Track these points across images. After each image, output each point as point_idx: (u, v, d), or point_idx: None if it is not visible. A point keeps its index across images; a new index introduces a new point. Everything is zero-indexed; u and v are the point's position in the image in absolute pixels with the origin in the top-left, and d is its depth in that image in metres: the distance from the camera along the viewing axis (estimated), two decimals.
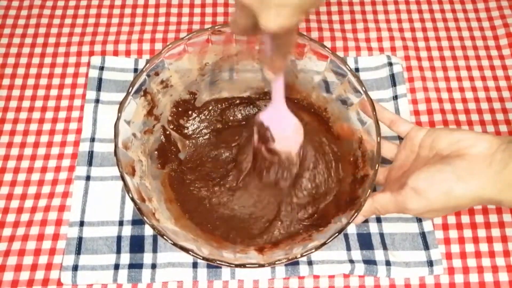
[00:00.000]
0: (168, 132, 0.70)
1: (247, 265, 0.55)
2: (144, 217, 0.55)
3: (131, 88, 0.62)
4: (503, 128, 0.76)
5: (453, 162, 0.55)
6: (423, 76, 0.80)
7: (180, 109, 0.72)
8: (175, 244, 0.54)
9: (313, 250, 0.55)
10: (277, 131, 0.65)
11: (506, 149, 0.53)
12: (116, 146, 0.59)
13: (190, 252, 0.54)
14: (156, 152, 0.68)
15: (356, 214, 0.56)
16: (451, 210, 0.57)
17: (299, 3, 0.47)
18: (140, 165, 0.64)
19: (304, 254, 0.55)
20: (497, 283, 0.66)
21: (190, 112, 0.73)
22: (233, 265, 0.55)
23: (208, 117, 0.74)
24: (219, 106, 0.75)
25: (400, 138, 0.71)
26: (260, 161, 0.69)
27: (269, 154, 0.67)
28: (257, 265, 0.55)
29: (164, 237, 0.55)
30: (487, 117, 0.77)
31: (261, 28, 0.48)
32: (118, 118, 0.60)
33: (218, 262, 0.54)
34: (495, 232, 0.69)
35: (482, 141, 0.55)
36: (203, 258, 0.54)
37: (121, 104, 0.60)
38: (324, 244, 0.55)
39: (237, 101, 0.75)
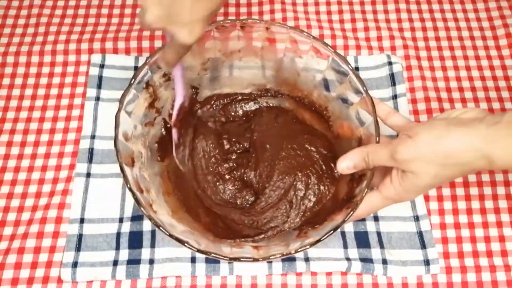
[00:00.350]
0: (169, 125, 0.70)
1: (241, 259, 0.55)
2: (142, 208, 0.56)
3: (133, 80, 0.62)
4: None
5: (447, 118, 0.55)
6: (423, 76, 0.80)
7: None
8: (171, 236, 0.54)
9: (308, 247, 0.55)
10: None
11: (497, 115, 0.52)
12: (116, 137, 0.59)
13: (185, 244, 0.54)
14: (156, 145, 0.69)
15: (352, 212, 0.56)
16: (440, 167, 0.53)
17: (207, 15, 0.55)
18: (139, 156, 0.64)
19: (299, 250, 0.55)
20: (495, 283, 0.66)
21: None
22: (228, 259, 0.55)
23: (209, 112, 0.74)
24: (221, 101, 0.75)
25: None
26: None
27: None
28: (251, 259, 0.55)
29: (160, 228, 0.55)
30: None
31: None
32: (120, 109, 0.60)
33: (213, 255, 0.54)
34: (493, 232, 0.69)
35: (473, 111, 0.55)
36: (198, 250, 0.54)
37: (123, 96, 0.61)
38: (319, 241, 0.55)
39: (239, 97, 0.75)
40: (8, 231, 0.68)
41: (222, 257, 0.55)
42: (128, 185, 0.57)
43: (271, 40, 0.68)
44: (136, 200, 0.56)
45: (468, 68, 0.82)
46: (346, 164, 0.59)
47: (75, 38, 0.83)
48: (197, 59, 0.69)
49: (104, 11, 0.87)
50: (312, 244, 0.55)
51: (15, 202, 0.70)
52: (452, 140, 0.51)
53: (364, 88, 0.62)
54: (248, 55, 0.70)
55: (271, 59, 0.70)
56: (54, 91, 0.78)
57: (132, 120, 0.63)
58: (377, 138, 0.59)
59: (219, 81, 0.74)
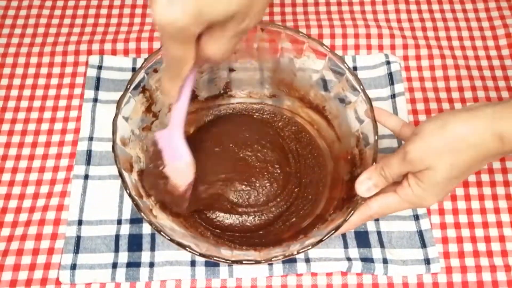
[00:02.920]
0: None
1: (243, 262, 0.55)
2: (142, 213, 0.55)
3: (129, 85, 0.61)
4: None
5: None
6: (421, 76, 0.80)
7: None
8: (172, 240, 0.54)
9: (310, 247, 0.55)
10: (168, 158, 0.62)
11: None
12: (114, 142, 0.59)
13: (187, 249, 0.54)
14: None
15: (352, 212, 0.56)
16: (453, 154, 0.51)
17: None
18: (138, 161, 0.64)
19: (300, 251, 0.55)
20: (495, 283, 0.66)
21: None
22: (230, 261, 0.55)
23: (206, 115, 0.74)
24: (217, 104, 0.75)
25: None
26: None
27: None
28: (253, 262, 0.55)
29: (161, 233, 0.55)
30: None
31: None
32: (116, 115, 0.60)
33: (215, 258, 0.54)
34: (493, 232, 0.69)
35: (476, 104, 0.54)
36: (200, 254, 0.54)
37: (120, 101, 0.60)
38: (320, 241, 0.55)
39: (236, 100, 0.75)
40: (5, 232, 0.68)
41: (224, 261, 0.55)
42: (128, 191, 0.57)
43: (266, 41, 0.68)
44: (136, 205, 0.56)
45: (467, 68, 0.81)
46: (366, 186, 0.57)
47: (74, 40, 0.83)
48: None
49: (103, 11, 0.87)
50: (314, 245, 0.55)
51: (12, 203, 0.70)
52: (459, 123, 0.50)
53: (361, 87, 0.62)
54: (244, 56, 0.70)
55: (267, 60, 0.70)
56: (52, 92, 0.78)
57: (129, 125, 0.63)
58: (375, 137, 0.59)
59: (215, 84, 0.74)
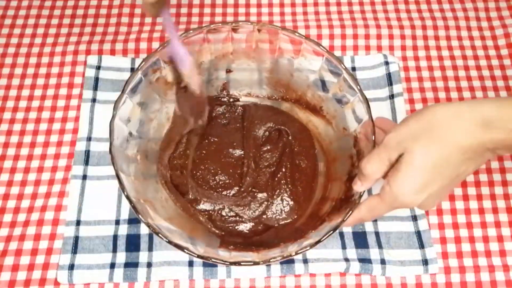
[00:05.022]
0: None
1: (242, 263, 0.55)
2: (139, 215, 0.55)
3: (126, 86, 0.62)
4: None
5: None
6: (420, 77, 0.80)
7: None
8: (170, 242, 0.54)
9: (308, 248, 0.55)
10: (179, 66, 0.64)
11: None
12: (111, 144, 0.59)
13: (185, 250, 0.54)
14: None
15: (350, 212, 0.56)
16: (428, 139, 0.50)
17: None
18: (135, 163, 0.64)
19: (298, 252, 0.55)
20: (494, 283, 0.66)
21: None
22: (228, 263, 0.55)
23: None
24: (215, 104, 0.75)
25: None
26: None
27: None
28: (252, 263, 0.55)
29: (159, 235, 0.55)
30: None
31: None
32: (113, 116, 0.60)
33: (213, 260, 0.54)
34: (491, 232, 0.69)
35: None
36: (198, 256, 0.54)
37: (116, 103, 0.61)
38: (318, 242, 0.55)
39: (233, 100, 0.75)
40: (4, 232, 0.68)
41: (223, 262, 0.55)
42: (125, 193, 0.57)
43: (263, 42, 0.68)
44: (134, 207, 0.56)
45: (466, 68, 0.81)
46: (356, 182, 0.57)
47: (73, 40, 0.83)
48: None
49: (103, 11, 0.87)
50: (312, 245, 0.55)
51: (11, 204, 0.70)
52: (438, 108, 0.50)
53: (358, 87, 0.62)
54: (240, 57, 0.70)
55: (264, 61, 0.70)
56: (50, 92, 0.78)
57: (127, 127, 0.63)
58: (373, 137, 0.59)
59: (213, 84, 0.74)
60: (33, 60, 0.81)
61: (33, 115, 0.76)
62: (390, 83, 0.78)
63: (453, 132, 0.49)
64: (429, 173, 0.51)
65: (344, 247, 0.67)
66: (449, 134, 0.50)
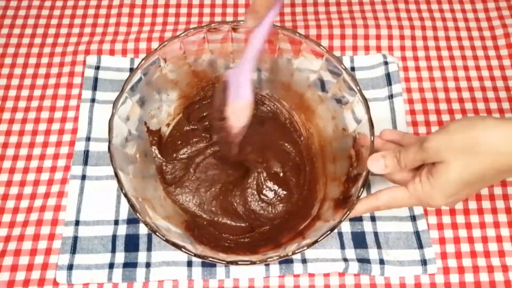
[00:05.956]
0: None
1: (239, 262, 0.55)
2: (137, 214, 0.55)
3: (126, 85, 0.62)
4: None
5: None
6: (419, 77, 0.80)
7: None
8: (167, 241, 0.54)
9: (305, 248, 0.55)
10: (232, 95, 0.63)
11: None
12: (110, 142, 0.59)
13: (182, 249, 0.54)
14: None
15: (348, 212, 0.56)
16: (471, 156, 0.49)
17: None
18: (134, 161, 0.64)
19: (296, 252, 0.55)
20: (493, 283, 0.66)
21: None
22: (225, 262, 0.55)
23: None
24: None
25: None
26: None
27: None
28: (249, 263, 0.55)
29: (157, 233, 0.55)
30: None
31: None
32: (112, 115, 0.60)
33: (210, 259, 0.54)
34: (490, 232, 0.69)
35: None
36: (195, 255, 0.54)
37: (116, 101, 0.61)
38: (316, 242, 0.54)
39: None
40: (3, 232, 0.68)
41: (220, 261, 0.54)
42: (124, 191, 0.57)
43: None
44: (132, 206, 0.56)
45: (466, 68, 0.81)
46: (377, 162, 0.57)
47: (73, 41, 0.83)
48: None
49: (102, 11, 0.87)
50: (309, 245, 0.55)
51: (10, 204, 0.70)
52: (486, 126, 0.49)
53: (358, 87, 0.62)
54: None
55: (264, 61, 0.70)
56: (50, 92, 0.78)
57: (126, 125, 0.63)
58: (372, 138, 0.59)
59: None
60: (32, 60, 0.81)
61: (32, 115, 0.76)
62: (389, 83, 0.78)
63: (498, 157, 0.49)
64: (462, 186, 0.52)
65: (343, 247, 0.67)
66: (495, 158, 0.49)
